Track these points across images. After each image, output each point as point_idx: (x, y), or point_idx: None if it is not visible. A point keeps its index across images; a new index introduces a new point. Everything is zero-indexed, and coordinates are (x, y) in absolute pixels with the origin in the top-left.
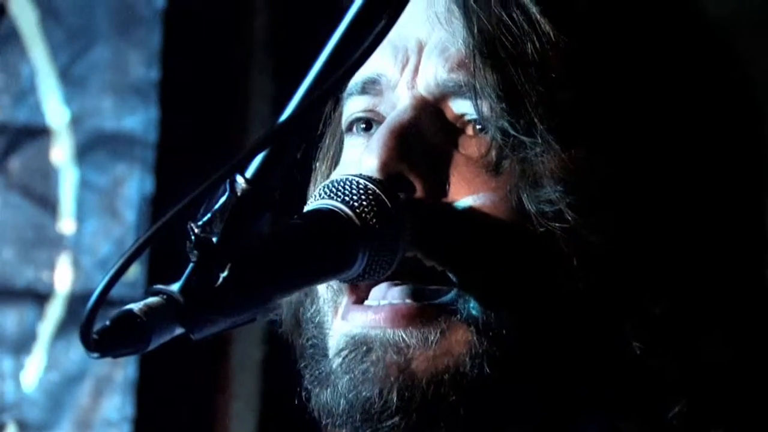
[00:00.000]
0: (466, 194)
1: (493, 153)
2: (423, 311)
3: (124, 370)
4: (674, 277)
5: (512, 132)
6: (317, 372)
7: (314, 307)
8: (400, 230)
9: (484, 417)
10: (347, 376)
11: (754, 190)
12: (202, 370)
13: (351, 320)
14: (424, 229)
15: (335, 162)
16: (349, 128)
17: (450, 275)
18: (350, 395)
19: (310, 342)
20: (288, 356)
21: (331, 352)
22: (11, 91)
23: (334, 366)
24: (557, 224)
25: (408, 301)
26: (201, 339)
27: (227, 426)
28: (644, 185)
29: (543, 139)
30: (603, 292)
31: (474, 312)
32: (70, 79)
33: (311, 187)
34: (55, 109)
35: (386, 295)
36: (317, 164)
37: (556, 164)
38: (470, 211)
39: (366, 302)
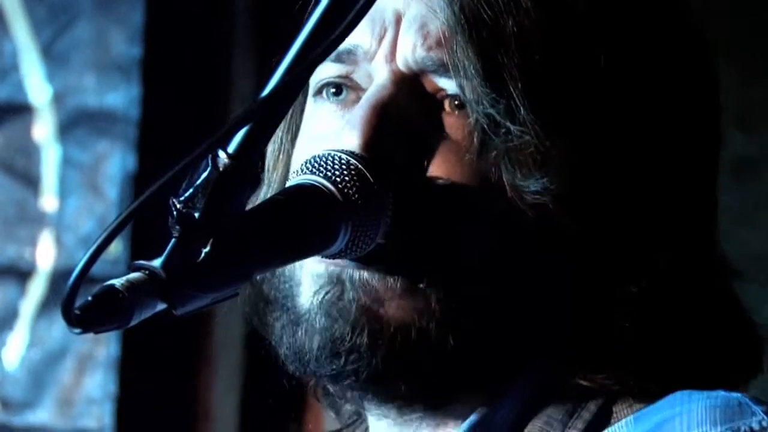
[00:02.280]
0: (446, 174)
1: (473, 132)
2: (384, 256)
3: (106, 347)
4: (650, 258)
5: (492, 112)
6: (290, 315)
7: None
8: (382, 206)
9: (442, 379)
10: (323, 313)
11: (712, 173)
12: (185, 346)
13: (325, 261)
14: (402, 206)
15: (296, 124)
16: (318, 92)
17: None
18: (325, 333)
19: (280, 292)
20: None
21: (308, 291)
22: None
23: (312, 304)
24: (537, 208)
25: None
26: (184, 315)
27: (210, 402)
28: (627, 166)
29: (524, 119)
30: (579, 273)
31: (437, 278)
32: (52, 56)
33: (270, 149)
34: (37, 86)
35: None
36: (280, 134)
37: (537, 149)
38: (447, 189)
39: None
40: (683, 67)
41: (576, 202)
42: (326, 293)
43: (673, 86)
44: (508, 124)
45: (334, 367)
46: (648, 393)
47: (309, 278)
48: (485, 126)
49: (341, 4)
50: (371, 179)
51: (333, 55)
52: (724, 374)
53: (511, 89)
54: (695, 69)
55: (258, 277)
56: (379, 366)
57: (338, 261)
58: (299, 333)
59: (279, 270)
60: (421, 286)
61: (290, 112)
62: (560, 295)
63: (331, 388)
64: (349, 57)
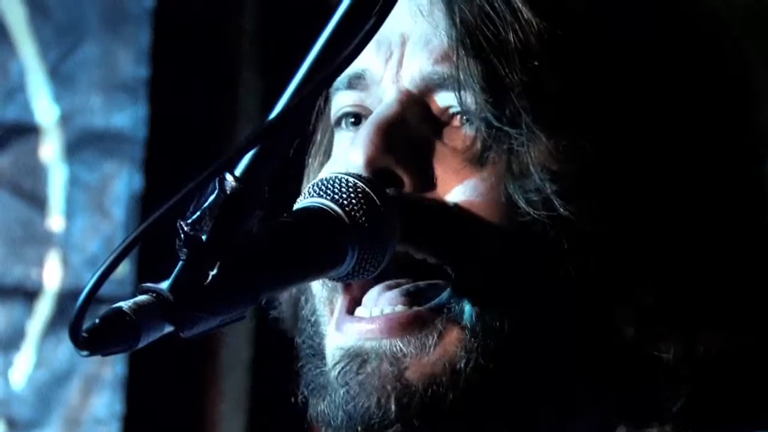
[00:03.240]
0: (454, 186)
1: (478, 145)
2: (418, 317)
3: (113, 367)
4: (666, 264)
5: (496, 123)
6: (314, 380)
7: (309, 305)
8: (389, 228)
9: (483, 412)
10: (343, 389)
11: (743, 174)
12: (192, 368)
13: (345, 332)
14: (413, 223)
15: (327, 156)
16: (338, 123)
17: (444, 268)
18: (348, 407)
19: (306, 343)
20: (277, 355)
21: (327, 362)
22: (0, 88)
23: (330, 378)
24: (545, 212)
25: (400, 307)
26: (190, 337)
27: (216, 424)
28: (631, 170)
29: (528, 129)
30: (595, 279)
31: (468, 307)
32: (59, 77)
33: (304, 182)
34: (44, 106)
35: (378, 301)
36: (309, 159)
37: (541, 153)
38: (458, 203)
39: (358, 311)
40: (704, 69)
41: (583, 201)
42: (344, 367)
43: (691, 87)
44: (509, 129)
45: None
46: (706, 425)
47: (331, 348)
48: (487, 135)
49: (348, 28)
50: (378, 202)
51: (344, 81)
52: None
53: (513, 97)
54: (717, 69)
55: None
56: (415, 424)
57: (362, 331)
58: (321, 405)
59: (305, 311)
60: (463, 328)
61: (323, 148)
62: (584, 304)
63: None
64: (359, 82)
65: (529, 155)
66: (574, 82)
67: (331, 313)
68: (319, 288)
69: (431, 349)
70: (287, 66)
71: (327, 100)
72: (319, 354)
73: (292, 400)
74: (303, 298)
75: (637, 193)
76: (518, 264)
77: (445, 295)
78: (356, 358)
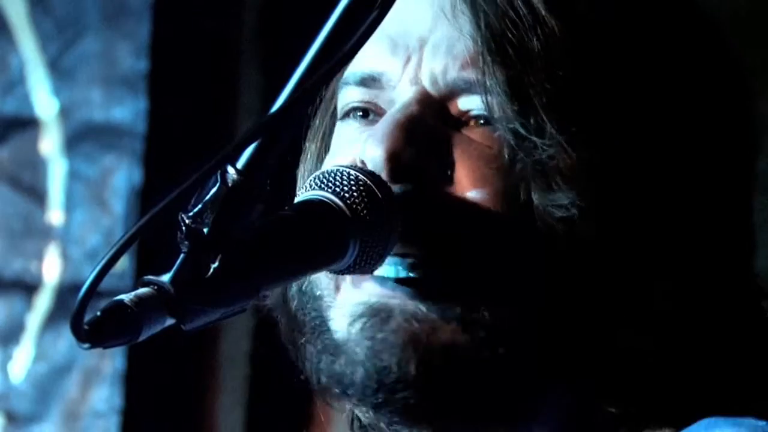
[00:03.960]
0: (468, 188)
1: (505, 152)
2: (439, 290)
3: (112, 361)
4: (676, 278)
5: (523, 132)
6: (325, 341)
7: (308, 282)
8: (391, 221)
9: (487, 406)
10: (367, 343)
11: (745, 188)
12: (191, 362)
13: (366, 289)
14: (425, 220)
15: (326, 145)
16: (346, 115)
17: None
18: (368, 363)
19: (311, 314)
20: (276, 349)
21: (341, 322)
22: (0, 81)
23: (350, 334)
24: (563, 225)
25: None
26: (192, 330)
27: (216, 418)
28: (654, 186)
29: (553, 140)
30: (604, 288)
31: (462, 306)
32: (59, 70)
33: (301, 167)
34: (43, 100)
35: (399, 271)
36: (307, 144)
37: (565, 165)
38: (470, 204)
39: (379, 270)
40: (715, 82)
41: (605, 217)
42: (366, 322)
43: (705, 100)
44: (535, 139)
45: (378, 398)
46: (674, 419)
47: (348, 305)
48: (512, 141)
49: (350, 21)
50: (379, 194)
51: (356, 78)
52: (754, 399)
53: (538, 106)
54: (728, 83)
55: (287, 295)
56: (424, 395)
57: (381, 292)
58: (337, 364)
59: (306, 289)
60: (474, 314)
61: (321, 133)
62: (587, 313)
63: (367, 415)
64: (373, 83)
65: (554, 167)
66: (598, 90)
67: (337, 284)
68: None
69: (453, 322)
70: (287, 60)
71: (327, 85)
72: (324, 320)
73: (292, 393)
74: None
75: (658, 208)
76: (524, 268)
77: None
78: (379, 313)
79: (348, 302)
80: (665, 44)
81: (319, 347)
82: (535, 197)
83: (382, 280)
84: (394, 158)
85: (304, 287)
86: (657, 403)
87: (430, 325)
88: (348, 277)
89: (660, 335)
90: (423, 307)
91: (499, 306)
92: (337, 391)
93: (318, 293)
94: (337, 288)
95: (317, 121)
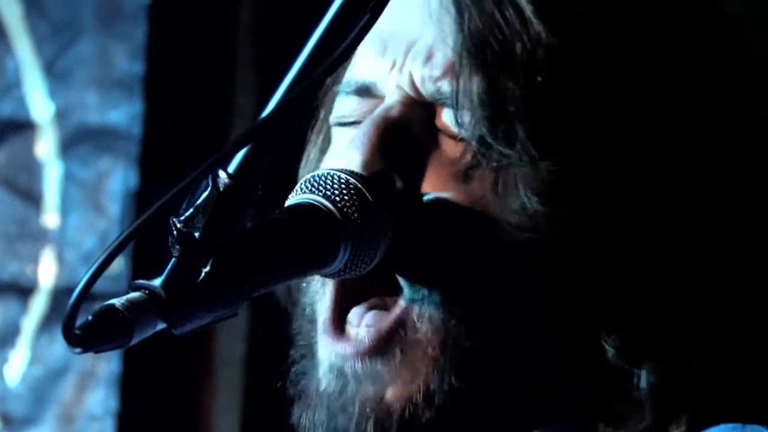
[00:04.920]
0: (440, 196)
1: (468, 158)
2: (381, 336)
3: (107, 364)
4: (648, 285)
5: (489, 139)
6: (302, 384)
7: (306, 291)
8: (381, 225)
9: (458, 428)
10: (325, 410)
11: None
12: (186, 364)
13: (329, 347)
14: (398, 230)
15: (326, 149)
16: (341, 124)
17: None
18: (330, 426)
19: (302, 342)
20: (271, 352)
21: (317, 368)
22: None
23: (317, 390)
24: (527, 234)
25: (373, 330)
26: (183, 334)
27: (211, 420)
28: (623, 195)
29: (522, 147)
30: (575, 296)
31: (431, 320)
32: (54, 73)
33: (301, 171)
34: (39, 103)
35: (360, 321)
36: (308, 148)
37: (531, 173)
38: (437, 209)
39: (346, 327)
40: (708, 89)
41: (568, 223)
42: (327, 385)
43: (697, 111)
44: (501, 147)
45: None
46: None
47: (320, 355)
48: (478, 151)
49: (342, 24)
50: (370, 198)
51: (352, 87)
52: (758, 408)
53: (510, 111)
54: (725, 92)
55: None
56: None
57: (340, 351)
58: (304, 418)
59: (304, 304)
60: (421, 342)
61: (321, 138)
62: (564, 322)
63: None
64: (367, 93)
65: (518, 175)
66: (574, 101)
67: (322, 309)
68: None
69: (400, 366)
70: (283, 63)
71: (327, 92)
72: (311, 353)
73: (286, 396)
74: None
75: (627, 217)
76: (491, 281)
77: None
78: (339, 377)
79: (320, 353)
80: (657, 55)
81: (298, 385)
82: (497, 204)
83: (339, 339)
84: (367, 165)
85: (303, 299)
86: (663, 411)
87: (383, 380)
88: (321, 322)
89: (644, 341)
90: (372, 364)
91: (464, 318)
92: None
93: (309, 309)
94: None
95: (317, 125)
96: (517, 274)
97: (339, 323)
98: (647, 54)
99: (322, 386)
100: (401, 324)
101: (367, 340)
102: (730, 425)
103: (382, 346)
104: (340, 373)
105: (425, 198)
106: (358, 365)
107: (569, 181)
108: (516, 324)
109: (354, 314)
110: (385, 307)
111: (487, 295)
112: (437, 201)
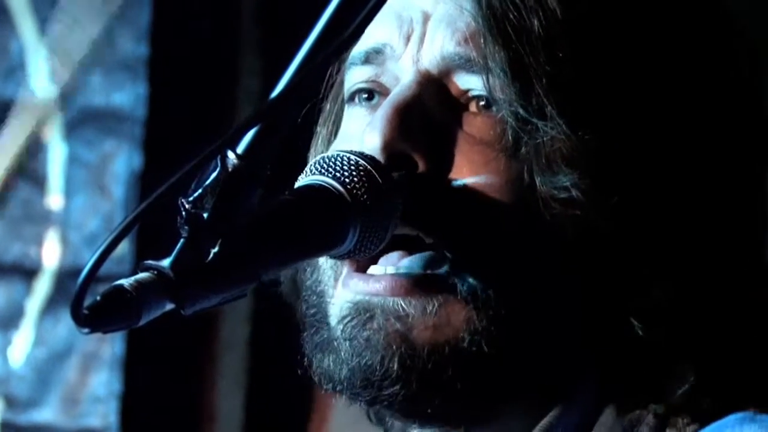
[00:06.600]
0: (469, 174)
1: (507, 135)
2: (420, 282)
3: (111, 346)
4: (679, 260)
5: (524, 114)
6: (318, 339)
7: (315, 276)
8: (391, 206)
9: (480, 393)
10: (349, 343)
11: (756, 173)
12: (190, 345)
13: (352, 287)
14: (424, 207)
15: (336, 128)
16: (351, 98)
17: (447, 253)
18: (353, 362)
19: (311, 311)
20: (275, 333)
21: (333, 320)
22: (0, 67)
23: (336, 333)
24: (567, 208)
25: (404, 271)
26: (191, 315)
27: (215, 402)
28: (654, 167)
29: (554, 122)
30: (607, 272)
31: (470, 289)
32: (58, 56)
33: (312, 151)
34: (43, 85)
35: (387, 264)
36: (318, 128)
37: (567, 147)
38: (472, 190)
39: (370, 269)
40: (723, 65)
41: (608, 198)
42: (350, 321)
43: (711, 82)
44: (537, 121)
45: (368, 394)
46: (702, 412)
47: (338, 304)
48: (515, 125)
49: (354, 2)
50: (380, 180)
51: (361, 56)
52: None
53: (538, 87)
54: (735, 64)
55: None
56: (414, 389)
57: (371, 289)
58: (326, 361)
59: (309, 281)
60: (461, 303)
61: (332, 118)
62: (596, 299)
63: (369, 410)
64: (377, 57)
65: (555, 149)
66: (597, 74)
67: (336, 281)
68: (323, 259)
69: (433, 316)
70: (287, 45)
71: (339, 69)
72: (323, 317)
73: (304, 367)
74: (308, 270)
75: (659, 189)
76: (528, 254)
77: (445, 268)
78: (364, 312)
79: (339, 300)
80: (669, 27)
81: (314, 343)
82: (537, 180)
83: (367, 276)
84: (388, 147)
85: (310, 283)
86: (681, 395)
87: (410, 322)
88: (343, 274)
89: (673, 326)
90: (403, 304)
91: (503, 291)
92: (329, 387)
93: (320, 289)
94: (335, 284)
95: (328, 106)
96: (557, 252)
97: (364, 266)
98: (660, 32)
99: (345, 323)
100: (437, 276)
101: (401, 279)
102: (740, 414)
103: (419, 291)
104: (365, 308)
105: (458, 182)
106: (387, 300)
107: (606, 155)
108: (552, 299)
109: (386, 258)
110: (406, 253)
111: (527, 271)
112: (473, 185)
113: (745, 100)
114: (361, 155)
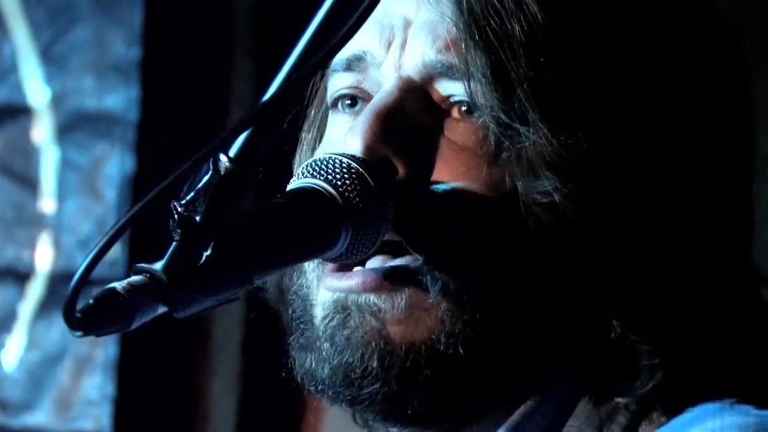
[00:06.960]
0: (450, 179)
1: (489, 141)
2: (388, 275)
3: (104, 349)
4: (663, 263)
5: (506, 119)
6: (303, 340)
7: (299, 280)
8: (383, 209)
9: (459, 394)
10: (330, 342)
11: (742, 177)
12: (183, 348)
13: (327, 284)
14: (402, 212)
15: (320, 134)
16: (334, 104)
17: (424, 255)
18: (334, 361)
19: (296, 314)
20: (268, 336)
21: (317, 321)
22: None
23: (318, 333)
24: (549, 213)
25: (377, 265)
26: (184, 318)
27: (208, 405)
28: (636, 170)
29: (536, 127)
30: (588, 275)
31: (444, 287)
32: (51, 58)
33: (297, 157)
34: (36, 88)
35: (368, 263)
36: (303, 134)
37: (549, 152)
38: (452, 195)
39: (344, 267)
40: (705, 67)
41: (590, 202)
42: (331, 320)
43: (694, 85)
44: (519, 126)
45: (349, 393)
46: (675, 405)
47: (320, 304)
48: (497, 131)
49: (342, 9)
50: (372, 182)
51: (343, 62)
52: (754, 385)
53: (519, 92)
54: (720, 68)
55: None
56: (393, 388)
57: (344, 286)
58: (309, 361)
59: (294, 286)
60: (430, 301)
61: (316, 124)
62: (575, 300)
63: (350, 411)
64: (358, 64)
65: (537, 154)
66: (578, 78)
67: (320, 283)
68: (308, 262)
69: (400, 309)
70: (279, 48)
71: (322, 76)
72: (308, 319)
73: (288, 369)
74: (295, 274)
75: (640, 192)
76: (509, 257)
77: (417, 263)
78: (342, 310)
79: (321, 300)
80: (650, 30)
81: (299, 345)
82: (519, 185)
83: (341, 274)
84: (369, 151)
85: (295, 287)
86: (655, 389)
87: (387, 318)
88: (325, 273)
89: (653, 324)
90: (375, 299)
91: (481, 294)
92: (311, 388)
93: (304, 292)
94: (319, 287)
95: (312, 111)
96: (539, 255)
97: (344, 267)
98: (642, 36)
99: (325, 323)
100: (408, 270)
101: (372, 274)
102: (718, 403)
103: (388, 285)
104: (343, 306)
105: (437, 188)
106: (363, 297)
107: (587, 160)
108: (532, 302)
109: (373, 261)
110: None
111: (507, 274)
112: (453, 191)
113: (728, 100)
114: (353, 158)
